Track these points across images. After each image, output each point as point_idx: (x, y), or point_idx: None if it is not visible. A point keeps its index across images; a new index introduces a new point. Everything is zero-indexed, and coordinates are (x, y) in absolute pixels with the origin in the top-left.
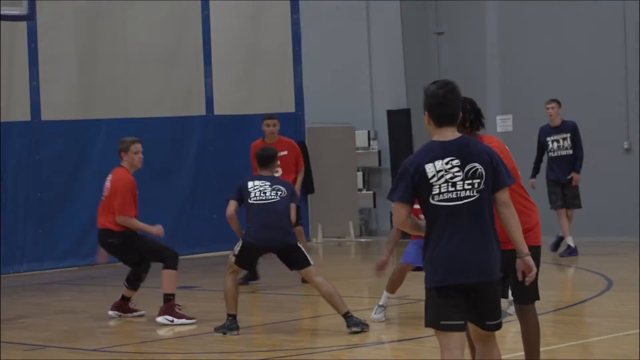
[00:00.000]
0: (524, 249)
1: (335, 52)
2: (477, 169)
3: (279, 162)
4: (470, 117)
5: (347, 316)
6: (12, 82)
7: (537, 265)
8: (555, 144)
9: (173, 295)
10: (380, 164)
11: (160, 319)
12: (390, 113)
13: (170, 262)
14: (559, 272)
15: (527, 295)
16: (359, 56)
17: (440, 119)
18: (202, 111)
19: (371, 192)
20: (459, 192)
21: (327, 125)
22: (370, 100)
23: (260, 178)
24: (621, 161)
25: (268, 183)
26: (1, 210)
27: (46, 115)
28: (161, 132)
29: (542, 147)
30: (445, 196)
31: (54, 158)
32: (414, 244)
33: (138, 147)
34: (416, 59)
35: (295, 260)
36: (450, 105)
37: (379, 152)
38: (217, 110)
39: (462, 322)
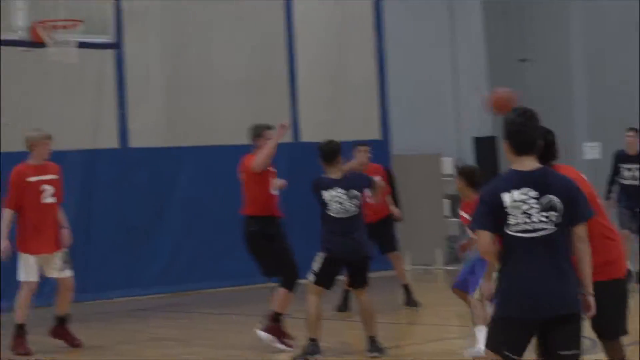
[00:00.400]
0: (589, 287)
1: (420, 79)
2: (554, 201)
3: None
4: (552, 140)
5: (372, 339)
6: (101, 109)
7: (621, 298)
8: (628, 173)
9: (281, 315)
10: None
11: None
12: (476, 140)
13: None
14: None
15: (608, 330)
16: (444, 83)
17: (520, 147)
18: (288, 138)
19: (458, 219)
20: (534, 224)
21: (413, 153)
22: (456, 127)
23: (333, 184)
24: None
25: (342, 191)
26: (91, 237)
27: (134, 142)
28: None
29: (615, 172)
30: (521, 227)
31: (142, 185)
32: (466, 266)
33: None
34: (501, 85)
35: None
36: (530, 133)
37: None
38: (303, 138)
39: (521, 359)
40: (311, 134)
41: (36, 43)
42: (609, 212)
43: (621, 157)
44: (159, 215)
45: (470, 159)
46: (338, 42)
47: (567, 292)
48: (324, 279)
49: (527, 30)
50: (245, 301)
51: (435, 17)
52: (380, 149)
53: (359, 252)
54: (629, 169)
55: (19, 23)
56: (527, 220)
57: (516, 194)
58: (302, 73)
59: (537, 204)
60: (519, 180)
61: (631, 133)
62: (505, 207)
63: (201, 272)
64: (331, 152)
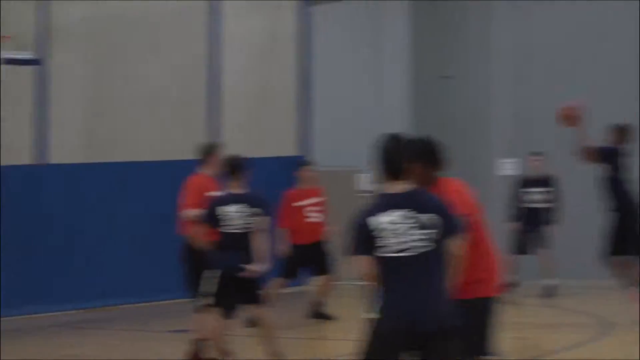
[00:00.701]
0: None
1: (344, 96)
2: (427, 220)
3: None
4: (432, 159)
5: (275, 353)
6: (22, 126)
7: (485, 317)
8: (533, 196)
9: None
10: None
11: None
12: None
13: None
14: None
15: (470, 348)
16: (369, 101)
17: (389, 172)
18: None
19: None
20: (411, 243)
21: (329, 169)
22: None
23: (233, 200)
24: None
25: (242, 207)
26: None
27: (55, 158)
28: (163, 176)
29: (517, 195)
30: (399, 247)
31: (58, 201)
32: None
33: None
34: (425, 103)
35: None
36: (398, 159)
37: None
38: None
39: None
40: (234, 150)
41: None
42: (512, 234)
43: (525, 181)
44: (74, 230)
45: None
46: (262, 58)
47: (441, 308)
48: (222, 299)
49: (451, 47)
50: (160, 316)
51: (360, 34)
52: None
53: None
54: (534, 192)
55: None
56: (401, 240)
57: (389, 216)
58: (225, 90)
59: (409, 223)
60: (391, 202)
61: (537, 157)
62: (379, 230)
63: (116, 288)
64: (236, 166)
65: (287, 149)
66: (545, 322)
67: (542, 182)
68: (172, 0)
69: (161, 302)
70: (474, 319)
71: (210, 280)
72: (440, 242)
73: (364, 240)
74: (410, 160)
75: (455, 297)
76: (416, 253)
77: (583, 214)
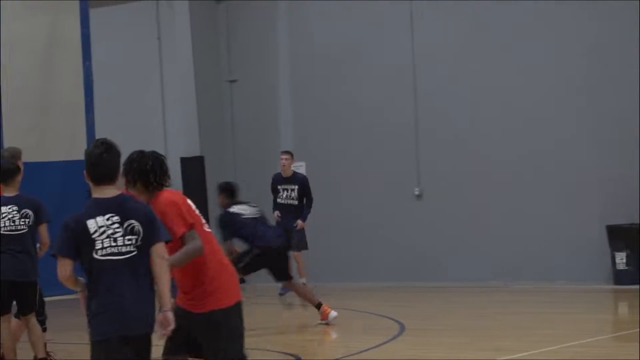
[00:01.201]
0: (167, 304)
1: (129, 99)
2: (135, 225)
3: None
4: (155, 176)
5: None
6: None
7: (233, 325)
8: (285, 193)
9: None
10: None
11: None
12: (183, 160)
13: None
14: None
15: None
16: (153, 104)
17: (97, 177)
18: None
19: None
20: (120, 247)
21: None
22: (164, 148)
23: (6, 202)
24: (412, 208)
25: (15, 208)
26: None
27: None
28: None
29: (275, 193)
30: (108, 251)
31: None
32: None
33: None
34: (209, 106)
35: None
36: (105, 165)
37: None
38: None
39: None
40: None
41: None
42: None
43: (278, 179)
44: None
45: (178, 179)
46: (45, 64)
47: (152, 310)
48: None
49: (235, 51)
50: None
51: (143, 38)
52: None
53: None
54: (285, 190)
55: None
56: (114, 244)
57: (100, 220)
58: (7, 94)
59: (120, 228)
60: (102, 207)
61: (285, 156)
62: (92, 234)
63: None
64: (8, 172)
65: (73, 155)
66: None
67: (291, 180)
68: None
69: None
70: (215, 330)
71: None
72: (148, 246)
73: (74, 243)
74: (128, 174)
75: (193, 310)
76: (127, 256)
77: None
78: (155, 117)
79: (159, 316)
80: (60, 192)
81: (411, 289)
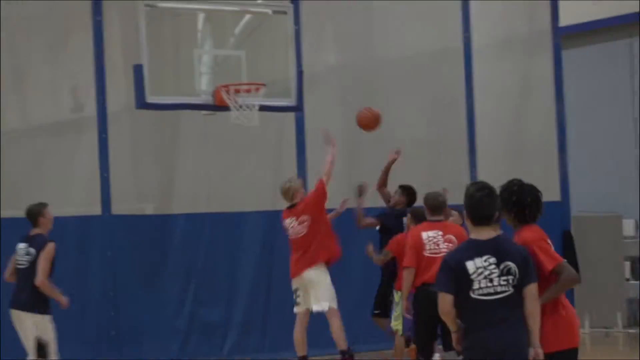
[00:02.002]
0: (537, 340)
1: (600, 139)
2: (511, 267)
3: None
4: (530, 211)
5: None
6: (280, 172)
7: None
8: None
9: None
10: None
11: None
12: None
13: None
14: None
15: None
16: (625, 138)
17: (476, 219)
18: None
19: (639, 282)
20: (495, 287)
21: (593, 214)
22: (638, 188)
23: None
24: None
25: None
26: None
27: None
28: None
29: None
30: (484, 291)
31: None
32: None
33: None
34: None
35: None
36: (486, 207)
37: None
38: None
39: None
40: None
41: (219, 107)
42: None
43: None
44: None
45: None
46: (516, 101)
47: (524, 349)
48: None
49: None
50: None
51: (612, 69)
52: (559, 210)
53: None
54: None
55: (202, 87)
56: (489, 284)
57: (478, 262)
58: (479, 133)
59: (496, 269)
60: (480, 248)
61: None
62: (470, 274)
63: None
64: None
65: (544, 195)
66: None
67: None
68: (428, 44)
69: None
70: None
71: None
72: (521, 286)
73: (455, 280)
74: (506, 203)
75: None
76: (503, 296)
77: None
78: (629, 155)
79: (530, 352)
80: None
81: None
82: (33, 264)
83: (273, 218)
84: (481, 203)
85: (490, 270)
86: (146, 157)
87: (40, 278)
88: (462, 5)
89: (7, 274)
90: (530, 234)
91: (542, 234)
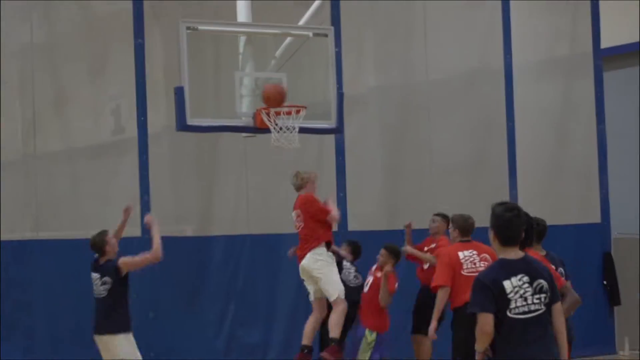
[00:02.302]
0: (565, 355)
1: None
2: (543, 285)
3: None
4: (527, 233)
5: None
6: (319, 194)
7: None
8: None
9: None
10: None
11: None
12: None
13: None
14: None
15: None
16: None
17: (505, 240)
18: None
19: None
20: (529, 306)
21: (633, 236)
22: None
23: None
24: None
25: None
26: None
27: (352, 225)
28: None
29: None
30: (520, 310)
31: (360, 267)
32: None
33: None
34: None
35: None
36: (514, 228)
37: None
38: None
39: None
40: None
41: (259, 129)
42: None
43: None
44: None
45: None
46: (558, 124)
47: None
48: None
49: None
50: None
51: None
52: (599, 231)
53: None
54: None
55: (243, 109)
56: (524, 302)
57: (514, 281)
58: (520, 155)
59: (529, 288)
60: (513, 268)
61: None
62: (507, 293)
63: None
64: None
65: (584, 216)
66: None
67: None
68: (469, 65)
69: None
70: None
71: None
72: (550, 303)
73: (493, 300)
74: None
75: None
76: (535, 314)
77: None
78: None
79: None
80: (573, 255)
81: None
82: (111, 292)
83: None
84: (510, 223)
85: (524, 289)
86: (186, 178)
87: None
88: (503, 26)
89: None
90: (536, 257)
91: (541, 256)
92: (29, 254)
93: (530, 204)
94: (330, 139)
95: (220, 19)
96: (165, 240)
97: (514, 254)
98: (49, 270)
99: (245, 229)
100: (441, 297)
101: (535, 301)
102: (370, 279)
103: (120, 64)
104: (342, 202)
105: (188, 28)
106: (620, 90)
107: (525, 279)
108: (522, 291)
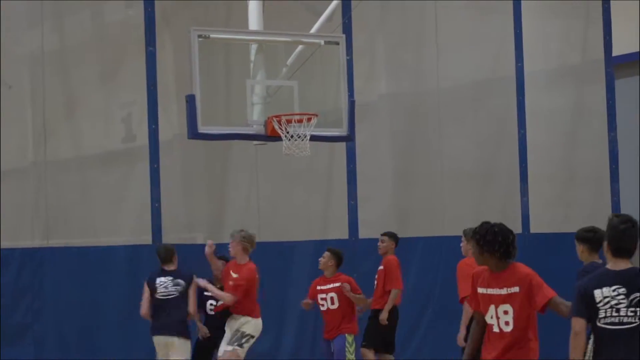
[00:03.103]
0: None
1: None
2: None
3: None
4: (500, 248)
5: None
6: (330, 201)
7: None
8: None
9: None
10: None
11: None
12: None
13: None
14: None
15: None
16: None
17: (616, 250)
18: (518, 229)
19: None
20: (622, 318)
21: None
22: None
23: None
24: None
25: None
26: None
27: (363, 233)
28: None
29: None
30: (609, 320)
31: (368, 274)
32: None
33: None
34: None
35: None
36: (627, 240)
37: None
38: (533, 229)
39: None
40: (541, 226)
41: (270, 137)
42: None
43: None
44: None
45: None
46: (569, 131)
47: None
48: None
49: None
50: None
51: None
52: None
53: None
54: None
55: (254, 117)
56: (615, 314)
57: (606, 291)
58: (531, 162)
59: (625, 300)
60: (610, 278)
61: None
62: (597, 302)
63: None
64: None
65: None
66: None
67: None
68: (480, 73)
69: None
70: None
71: None
72: None
73: (585, 306)
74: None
75: None
76: (628, 327)
77: None
78: None
79: None
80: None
81: None
82: (182, 293)
83: (323, 247)
84: (624, 235)
85: (618, 300)
86: (197, 186)
87: (193, 307)
88: (514, 34)
89: (144, 310)
90: (527, 268)
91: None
92: (39, 261)
93: (542, 212)
94: (341, 146)
95: (232, 27)
96: (176, 247)
97: (622, 265)
98: (59, 278)
99: (255, 236)
100: (467, 308)
101: (629, 314)
102: (332, 295)
103: (131, 71)
104: (353, 210)
105: (199, 36)
106: (632, 98)
107: (622, 290)
108: (614, 302)
